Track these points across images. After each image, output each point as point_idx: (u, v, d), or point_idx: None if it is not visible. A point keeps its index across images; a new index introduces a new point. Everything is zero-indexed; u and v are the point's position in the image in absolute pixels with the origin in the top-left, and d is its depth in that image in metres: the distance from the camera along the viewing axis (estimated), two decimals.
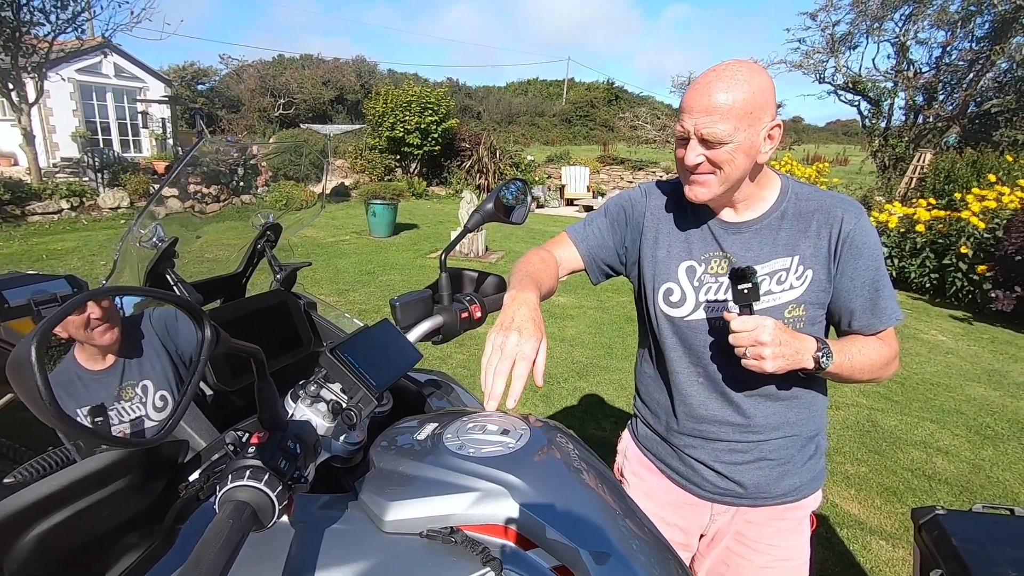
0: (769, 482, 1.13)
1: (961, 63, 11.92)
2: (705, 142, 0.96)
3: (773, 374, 0.96)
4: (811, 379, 1.06)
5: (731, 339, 0.96)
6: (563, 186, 15.12)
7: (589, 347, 4.48)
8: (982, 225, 6.09)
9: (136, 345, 1.03)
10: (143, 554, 0.56)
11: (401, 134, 13.81)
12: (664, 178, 1.26)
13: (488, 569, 0.60)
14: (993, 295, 5.70)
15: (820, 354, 0.97)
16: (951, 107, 12.23)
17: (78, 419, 0.41)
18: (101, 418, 0.98)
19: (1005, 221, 5.99)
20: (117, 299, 0.99)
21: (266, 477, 0.54)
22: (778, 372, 0.95)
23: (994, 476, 2.94)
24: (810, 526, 1.20)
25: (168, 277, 1.24)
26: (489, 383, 0.81)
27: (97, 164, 10.92)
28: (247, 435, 0.59)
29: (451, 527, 0.64)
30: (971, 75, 11.78)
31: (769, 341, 0.92)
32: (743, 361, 0.96)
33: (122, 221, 9.62)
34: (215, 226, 1.53)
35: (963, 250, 6.22)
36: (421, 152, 14.20)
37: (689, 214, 1.11)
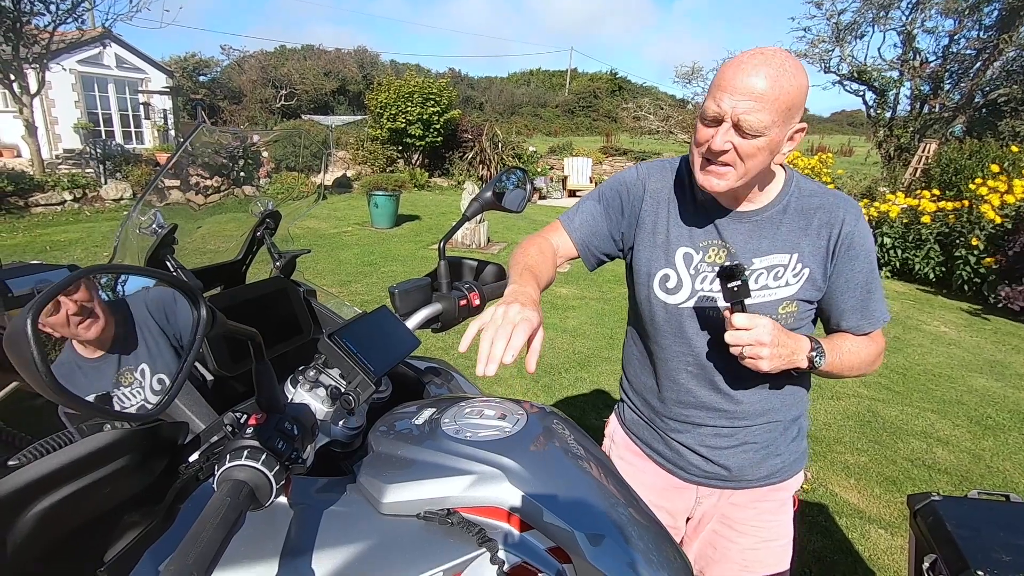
0: (753, 465, 1.14)
1: (968, 52, 11.76)
2: (739, 129, 0.88)
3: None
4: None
5: (728, 338, 0.93)
6: (566, 177, 15.04)
7: (591, 338, 4.49)
8: (998, 219, 6.02)
9: (132, 330, 1.04)
10: (142, 532, 0.57)
11: (403, 125, 13.74)
12: (661, 159, 1.24)
13: (484, 550, 0.61)
14: (1002, 292, 5.63)
15: (814, 354, 0.98)
16: (957, 97, 12.10)
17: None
18: (107, 407, 0.99)
19: (1014, 212, 5.93)
20: (107, 287, 1.00)
21: (263, 457, 0.55)
22: (773, 372, 0.95)
23: (994, 466, 2.95)
24: (792, 506, 1.22)
25: (168, 263, 1.24)
26: (486, 347, 0.75)
27: (99, 155, 10.92)
28: (245, 417, 0.60)
29: (448, 509, 0.65)
30: (978, 64, 11.63)
31: (768, 342, 0.91)
32: (742, 360, 0.95)
33: (125, 212, 9.63)
34: (215, 216, 1.54)
35: (974, 242, 6.16)
36: (423, 143, 14.13)
37: (690, 200, 1.08)
